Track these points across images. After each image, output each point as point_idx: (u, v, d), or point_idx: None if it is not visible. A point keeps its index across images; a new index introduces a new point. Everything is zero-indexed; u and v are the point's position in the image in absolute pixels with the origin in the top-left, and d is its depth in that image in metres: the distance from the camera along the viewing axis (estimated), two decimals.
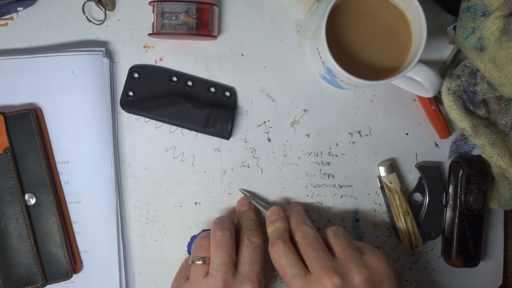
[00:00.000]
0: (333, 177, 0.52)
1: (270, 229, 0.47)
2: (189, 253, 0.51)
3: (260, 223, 0.50)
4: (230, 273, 0.43)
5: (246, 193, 0.51)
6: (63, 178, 0.49)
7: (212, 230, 0.46)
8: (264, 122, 0.52)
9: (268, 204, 0.51)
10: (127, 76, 0.50)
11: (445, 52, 0.53)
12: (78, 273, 0.49)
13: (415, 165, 0.53)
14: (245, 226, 0.48)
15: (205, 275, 0.44)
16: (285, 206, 0.51)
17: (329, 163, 0.52)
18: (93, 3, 0.50)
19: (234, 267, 0.44)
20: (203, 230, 0.51)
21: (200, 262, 0.45)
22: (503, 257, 0.54)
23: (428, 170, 0.52)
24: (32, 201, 0.47)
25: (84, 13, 0.49)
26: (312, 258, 0.43)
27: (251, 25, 0.52)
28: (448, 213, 0.52)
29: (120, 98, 0.50)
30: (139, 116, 0.51)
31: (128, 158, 0.51)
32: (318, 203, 0.52)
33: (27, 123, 0.47)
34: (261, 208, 0.50)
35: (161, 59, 0.51)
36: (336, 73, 0.44)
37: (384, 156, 0.53)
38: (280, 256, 0.43)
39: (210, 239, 0.46)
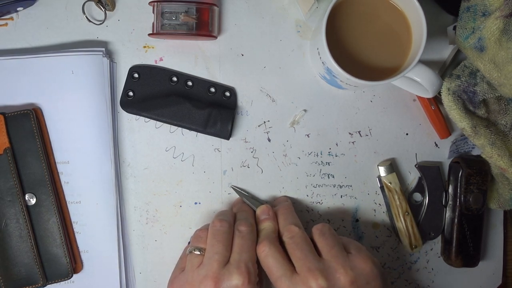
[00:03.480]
0: (333, 177, 0.52)
1: (259, 229, 0.47)
2: None
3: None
4: (223, 263, 0.43)
5: (238, 190, 0.51)
6: (63, 178, 0.49)
7: (211, 221, 0.47)
8: (264, 122, 0.52)
9: (259, 201, 0.51)
10: (127, 76, 0.50)
11: (445, 52, 0.53)
12: (78, 273, 0.49)
13: (415, 165, 0.53)
14: (237, 217, 0.48)
15: (199, 265, 0.44)
16: (273, 201, 0.51)
17: (329, 163, 0.52)
18: (93, 3, 0.50)
19: (228, 259, 0.44)
20: None
21: (197, 253, 0.45)
22: (503, 257, 0.54)
23: (428, 170, 0.52)
24: (32, 201, 0.47)
25: (84, 13, 0.49)
26: (299, 258, 0.43)
27: (251, 25, 0.52)
28: (448, 213, 0.52)
29: (120, 98, 0.50)
30: (139, 116, 0.51)
31: (128, 158, 0.51)
32: (318, 203, 0.52)
33: (27, 123, 0.47)
34: (251, 206, 0.50)
35: (161, 59, 0.51)
36: (336, 73, 0.44)
37: (384, 156, 0.53)
38: (266, 256, 0.43)
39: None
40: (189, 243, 0.51)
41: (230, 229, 0.46)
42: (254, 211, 0.49)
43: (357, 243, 0.46)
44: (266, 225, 0.47)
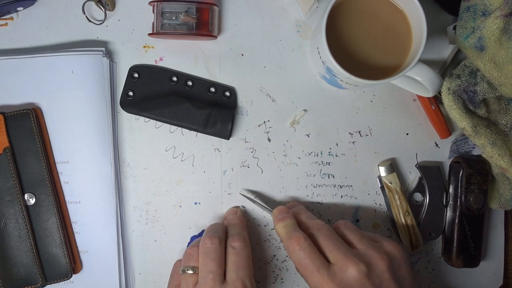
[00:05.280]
0: (333, 177, 0.52)
1: (279, 226, 0.46)
2: None
3: (248, 226, 0.50)
4: (218, 281, 0.43)
5: (247, 196, 0.51)
6: (63, 178, 0.49)
7: (201, 239, 0.46)
8: (264, 122, 0.52)
9: (270, 205, 0.51)
10: (127, 76, 0.50)
11: (445, 52, 0.53)
12: (77, 273, 0.49)
13: (415, 165, 0.52)
14: (229, 232, 0.47)
15: (194, 285, 0.44)
16: (285, 205, 0.51)
17: (329, 163, 0.52)
18: (93, 3, 0.50)
19: (223, 276, 0.44)
20: (203, 230, 0.51)
21: (191, 272, 0.44)
22: (504, 257, 0.54)
23: (428, 170, 0.52)
24: (32, 201, 0.47)
25: (84, 13, 0.49)
26: (332, 249, 0.43)
27: (251, 25, 0.52)
28: (449, 213, 0.52)
29: (120, 98, 0.50)
30: (139, 116, 0.51)
31: (128, 158, 0.51)
32: (318, 203, 0.52)
33: (27, 123, 0.47)
34: (263, 210, 0.49)
35: (161, 59, 0.51)
36: (336, 72, 0.44)
37: (384, 156, 0.53)
38: (301, 249, 0.43)
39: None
40: (186, 253, 0.50)
41: (221, 245, 0.45)
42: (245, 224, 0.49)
43: (380, 235, 0.47)
44: (288, 222, 0.46)
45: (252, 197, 0.51)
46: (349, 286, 0.41)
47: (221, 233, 0.46)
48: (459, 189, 0.50)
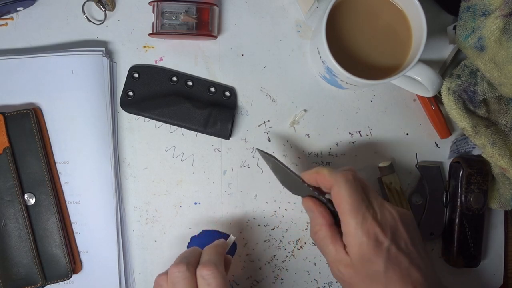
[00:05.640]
0: None
1: (320, 167, 0.44)
2: None
3: (248, 226, 0.49)
4: None
5: (264, 153, 0.47)
6: (63, 178, 0.49)
7: (170, 267, 0.42)
8: (264, 122, 0.52)
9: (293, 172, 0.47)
10: (127, 76, 0.50)
11: (445, 52, 0.53)
12: (77, 273, 0.49)
13: (415, 165, 0.52)
14: (201, 258, 0.43)
15: None
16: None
17: (329, 163, 0.52)
18: (93, 3, 0.50)
19: None
20: (203, 230, 0.51)
21: None
22: (504, 257, 0.54)
23: (428, 170, 0.52)
24: (32, 201, 0.47)
25: (84, 13, 0.49)
26: (367, 192, 0.43)
27: (251, 25, 0.52)
28: (449, 213, 0.51)
29: (120, 98, 0.50)
30: (139, 116, 0.51)
31: (128, 158, 0.51)
32: None
33: (27, 123, 0.47)
34: (282, 168, 0.46)
35: (161, 59, 0.51)
36: (336, 72, 0.44)
37: (385, 156, 0.53)
38: (355, 181, 0.42)
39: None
40: (155, 281, 0.46)
41: (189, 271, 0.41)
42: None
43: None
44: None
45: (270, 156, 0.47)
46: (386, 227, 0.41)
47: (191, 258, 0.42)
48: (459, 189, 0.50)
